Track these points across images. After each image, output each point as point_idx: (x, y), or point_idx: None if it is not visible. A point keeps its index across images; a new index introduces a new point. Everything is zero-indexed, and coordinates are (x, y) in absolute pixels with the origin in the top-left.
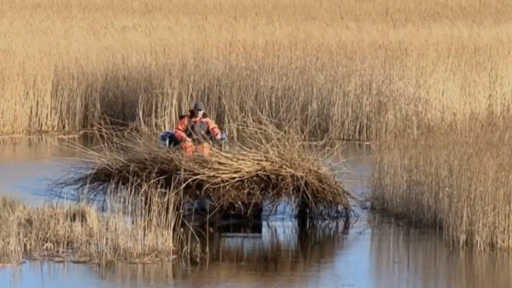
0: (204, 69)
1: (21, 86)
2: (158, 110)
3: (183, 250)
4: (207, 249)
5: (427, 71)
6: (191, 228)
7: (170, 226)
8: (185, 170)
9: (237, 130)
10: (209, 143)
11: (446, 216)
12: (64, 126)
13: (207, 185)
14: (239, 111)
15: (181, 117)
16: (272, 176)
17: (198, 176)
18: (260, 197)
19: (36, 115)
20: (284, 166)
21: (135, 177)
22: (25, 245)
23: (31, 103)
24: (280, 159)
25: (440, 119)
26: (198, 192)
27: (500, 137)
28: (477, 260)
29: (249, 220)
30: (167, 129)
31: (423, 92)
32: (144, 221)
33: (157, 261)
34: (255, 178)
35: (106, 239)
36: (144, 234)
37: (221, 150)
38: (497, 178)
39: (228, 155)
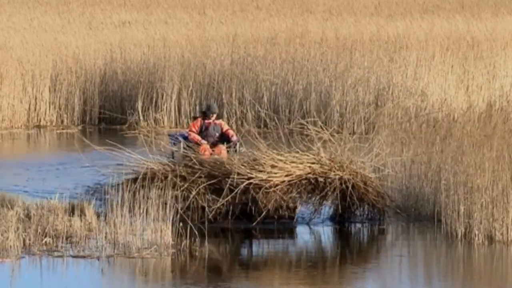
0: (203, 63)
1: (20, 81)
2: (157, 104)
3: (182, 244)
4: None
5: (426, 65)
6: (189, 223)
7: (169, 220)
8: (238, 174)
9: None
10: (225, 145)
11: (444, 209)
12: (62, 121)
13: (263, 189)
14: (238, 105)
15: (194, 118)
16: (321, 179)
17: (251, 180)
18: (306, 200)
19: (35, 110)
20: (333, 169)
21: (183, 182)
22: (24, 240)
23: (30, 98)
24: (330, 162)
25: (438, 112)
26: (243, 197)
27: (497, 129)
28: (476, 253)
29: (282, 223)
30: (165, 125)
31: (422, 85)
32: (143, 215)
33: (156, 256)
34: (303, 181)
35: (105, 233)
36: (143, 228)
37: (235, 152)
38: (494, 171)
39: (281, 157)
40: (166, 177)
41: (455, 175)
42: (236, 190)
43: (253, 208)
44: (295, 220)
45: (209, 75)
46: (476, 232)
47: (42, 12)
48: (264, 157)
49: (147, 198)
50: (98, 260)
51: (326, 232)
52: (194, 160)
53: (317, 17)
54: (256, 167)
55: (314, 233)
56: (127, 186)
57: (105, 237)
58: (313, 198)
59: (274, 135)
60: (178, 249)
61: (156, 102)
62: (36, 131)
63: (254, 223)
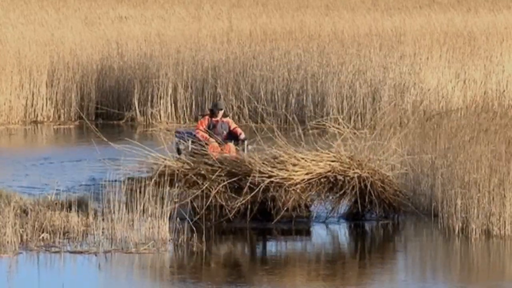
0: (199, 58)
1: (17, 77)
2: (154, 99)
3: (180, 239)
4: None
5: (423, 59)
6: (187, 218)
7: (166, 216)
8: (259, 172)
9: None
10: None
11: (441, 204)
12: (59, 117)
13: (283, 188)
14: (235, 100)
15: (202, 115)
16: (340, 177)
17: (272, 179)
18: (323, 199)
19: (32, 105)
20: (352, 167)
21: (202, 180)
22: (21, 235)
23: (27, 94)
24: (349, 160)
25: (435, 106)
26: (262, 195)
27: (493, 123)
28: (473, 248)
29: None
30: (162, 120)
31: (419, 79)
32: (140, 211)
33: (153, 251)
34: (322, 180)
35: (103, 229)
36: (140, 224)
37: (243, 150)
38: (491, 165)
39: (302, 155)
40: (185, 175)
41: (451, 169)
42: (257, 189)
43: (271, 207)
44: (311, 218)
45: (205, 70)
46: (473, 227)
47: (39, 8)
48: (285, 155)
49: (166, 197)
50: (96, 255)
51: (342, 230)
52: (214, 158)
53: (315, 12)
54: (277, 165)
55: (331, 231)
56: (144, 184)
57: (102, 232)
58: (331, 197)
59: (291, 133)
60: (175, 245)
61: (152, 97)
62: (33, 127)
63: (273, 222)
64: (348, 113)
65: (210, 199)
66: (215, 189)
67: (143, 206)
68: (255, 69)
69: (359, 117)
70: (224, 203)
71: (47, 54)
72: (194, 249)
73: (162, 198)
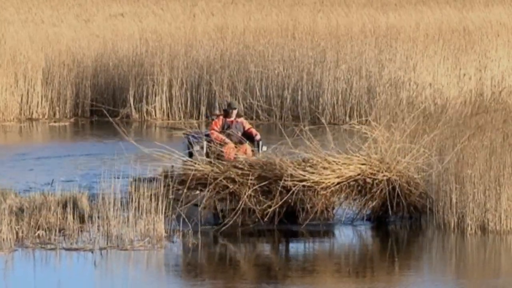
0: (194, 55)
1: (12, 74)
2: (149, 96)
3: (175, 236)
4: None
5: (418, 55)
6: (183, 215)
7: (162, 213)
8: (291, 176)
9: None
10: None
11: (437, 199)
12: (55, 114)
13: (314, 191)
14: (230, 97)
15: (217, 115)
16: (369, 180)
17: (304, 182)
18: (351, 201)
19: (27, 103)
20: (381, 170)
21: (232, 184)
22: (17, 233)
23: (22, 91)
24: (379, 163)
25: (430, 102)
26: (290, 198)
27: (488, 118)
28: (469, 243)
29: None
30: (157, 117)
31: (414, 75)
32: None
33: (149, 247)
34: (351, 183)
35: (98, 226)
36: (136, 220)
37: (258, 151)
38: (486, 161)
39: (333, 158)
40: (215, 179)
41: (447, 164)
42: (290, 192)
43: (300, 209)
44: (337, 220)
45: (200, 67)
46: (469, 222)
47: (34, 5)
48: (315, 158)
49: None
50: (91, 252)
51: (369, 232)
52: (245, 162)
53: (310, 9)
54: (308, 168)
55: (357, 232)
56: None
57: (98, 229)
58: (359, 200)
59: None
60: (170, 241)
61: (147, 94)
62: (29, 124)
63: (303, 225)
64: (344, 109)
65: (241, 203)
66: (245, 193)
67: (138, 203)
68: (250, 65)
69: (355, 113)
70: (254, 207)
71: (42, 51)
72: (190, 246)
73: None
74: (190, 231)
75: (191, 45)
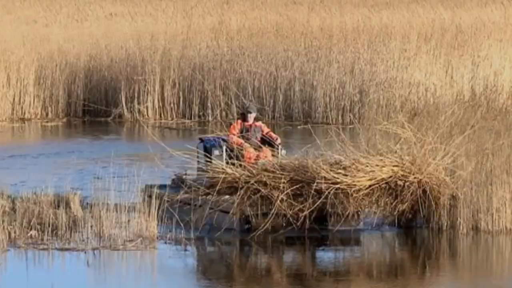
0: (187, 55)
1: (4, 75)
2: (141, 96)
3: (168, 236)
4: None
5: (410, 54)
6: (176, 215)
7: (155, 213)
8: (325, 178)
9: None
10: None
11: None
12: (47, 114)
13: (347, 194)
14: (222, 97)
15: (238, 118)
16: (400, 182)
17: (337, 185)
18: (381, 204)
19: (19, 103)
20: (413, 172)
21: (264, 188)
22: (9, 233)
23: (14, 91)
24: (411, 164)
25: (423, 102)
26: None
27: (480, 118)
28: (461, 243)
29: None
30: (150, 117)
31: (406, 75)
32: (129, 208)
33: (141, 248)
34: (383, 185)
35: (91, 226)
36: (128, 221)
37: (278, 156)
38: (478, 161)
39: (366, 160)
40: (246, 183)
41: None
42: (324, 195)
43: (331, 213)
44: (368, 225)
45: (192, 67)
46: (461, 222)
47: (27, 5)
48: (348, 160)
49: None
50: (84, 252)
51: (399, 236)
52: (276, 165)
53: (304, 8)
54: (340, 171)
55: (387, 237)
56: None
57: (91, 229)
58: (390, 202)
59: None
60: (163, 241)
61: (139, 94)
62: (21, 124)
63: (335, 230)
64: (336, 108)
65: (274, 207)
66: (278, 196)
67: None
68: (243, 65)
69: (347, 113)
70: (287, 211)
71: (34, 51)
72: (182, 247)
73: (150, 196)
74: (183, 231)
75: (185, 45)
